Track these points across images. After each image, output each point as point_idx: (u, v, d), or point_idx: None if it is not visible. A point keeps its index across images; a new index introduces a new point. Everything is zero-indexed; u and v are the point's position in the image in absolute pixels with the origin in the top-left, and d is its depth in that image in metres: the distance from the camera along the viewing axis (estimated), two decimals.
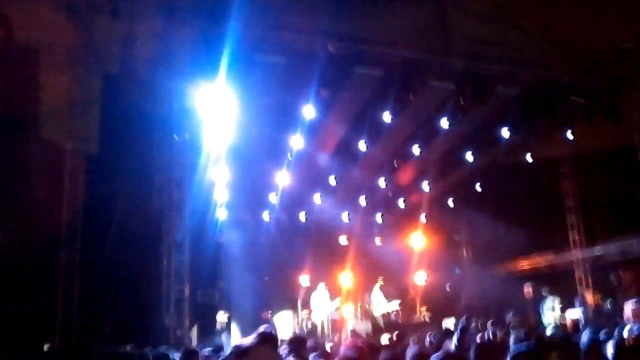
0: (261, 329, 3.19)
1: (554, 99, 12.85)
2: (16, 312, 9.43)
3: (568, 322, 13.48)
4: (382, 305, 16.19)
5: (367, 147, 13.73)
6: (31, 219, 10.82)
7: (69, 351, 6.54)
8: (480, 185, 17.46)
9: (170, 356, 6.14)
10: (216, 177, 13.70)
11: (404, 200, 18.59)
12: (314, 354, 7.70)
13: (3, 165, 10.33)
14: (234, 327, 14.83)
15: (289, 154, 13.91)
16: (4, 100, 10.20)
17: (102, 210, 11.54)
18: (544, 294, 15.26)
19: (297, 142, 13.01)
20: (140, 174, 12.17)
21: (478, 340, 7.14)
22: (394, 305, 16.00)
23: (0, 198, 10.29)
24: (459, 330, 7.82)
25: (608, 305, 14.61)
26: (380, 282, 16.78)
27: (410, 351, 5.51)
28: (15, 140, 10.60)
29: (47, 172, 10.87)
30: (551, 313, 14.84)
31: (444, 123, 13.05)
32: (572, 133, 14.22)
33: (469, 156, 15.19)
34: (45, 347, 7.22)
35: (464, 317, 9.68)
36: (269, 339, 3.43)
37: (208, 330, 13.56)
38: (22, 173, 10.85)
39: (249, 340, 3.01)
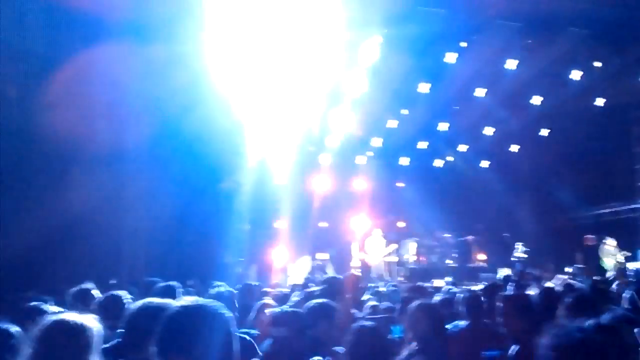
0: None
1: (626, 39, 12.09)
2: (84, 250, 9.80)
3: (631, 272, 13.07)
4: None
5: (429, 90, 13.43)
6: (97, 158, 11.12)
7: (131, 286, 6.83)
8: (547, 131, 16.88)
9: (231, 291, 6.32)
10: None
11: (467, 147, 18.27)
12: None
13: None
14: (291, 267, 15.19)
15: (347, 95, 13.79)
16: None
17: (165, 149, 11.79)
18: (604, 242, 14.87)
19: (358, 83, 12.83)
20: (201, 118, 12.33)
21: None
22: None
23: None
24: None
25: None
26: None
27: (463, 295, 5.50)
28: None
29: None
30: (610, 259, 14.49)
31: (510, 64, 12.54)
32: None
33: (536, 100, 14.60)
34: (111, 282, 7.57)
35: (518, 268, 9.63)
36: None
37: (266, 269, 13.93)
38: None
39: None
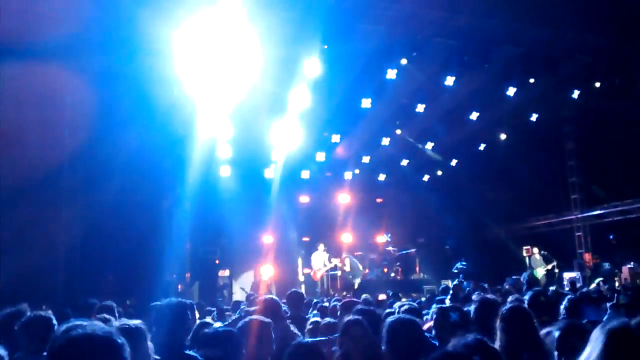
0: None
1: (559, 57, 12.68)
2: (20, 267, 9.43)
3: (566, 282, 13.55)
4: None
5: (371, 105, 13.61)
6: (29, 175, 10.74)
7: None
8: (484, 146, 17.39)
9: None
10: (218, 134, 13.64)
11: (408, 162, 18.57)
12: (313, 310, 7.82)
13: None
14: (234, 283, 15.01)
15: (291, 110, 13.82)
16: None
17: (105, 165, 11.47)
18: (535, 253, 15.47)
19: (300, 97, 12.86)
20: (142, 130, 12.07)
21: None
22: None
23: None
24: (451, 289, 7.90)
25: (606, 266, 14.71)
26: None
27: (403, 307, 5.56)
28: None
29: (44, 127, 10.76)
30: (540, 269, 15.08)
31: (449, 81, 12.87)
32: (577, 93, 14.06)
33: (473, 116, 15.02)
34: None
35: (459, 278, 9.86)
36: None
37: (209, 286, 13.70)
38: None
39: None
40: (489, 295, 5.66)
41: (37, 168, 9.53)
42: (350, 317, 3.98)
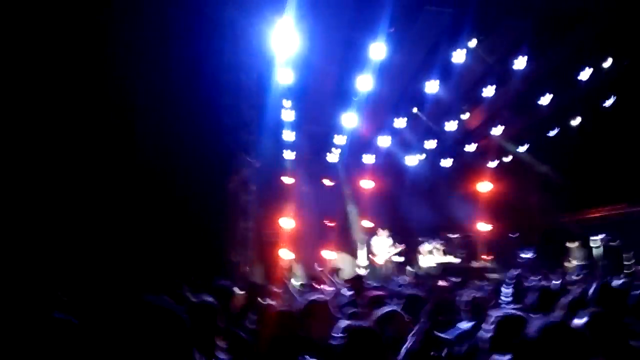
0: None
1: (636, 37, 12.00)
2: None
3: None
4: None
5: (437, 89, 13.38)
6: (97, 155, 11.14)
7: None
8: (556, 131, 16.79)
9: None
10: (284, 118, 13.80)
11: (476, 146, 18.18)
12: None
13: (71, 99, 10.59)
14: (295, 266, 15.18)
15: (355, 95, 13.81)
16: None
17: (171, 149, 11.80)
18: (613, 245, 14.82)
19: (364, 82, 12.79)
20: (208, 115, 12.33)
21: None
22: None
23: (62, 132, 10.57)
24: (514, 280, 7.72)
25: None
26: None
27: (466, 295, 5.47)
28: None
29: (117, 110, 11.15)
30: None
31: (519, 64, 12.45)
32: None
33: (545, 99, 14.49)
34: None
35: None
36: None
37: (272, 269, 13.90)
38: (89, 109, 11.10)
39: None
40: None
41: None
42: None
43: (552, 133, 16.98)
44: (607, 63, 13.00)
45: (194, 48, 11.13)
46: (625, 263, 14.25)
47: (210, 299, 3.88)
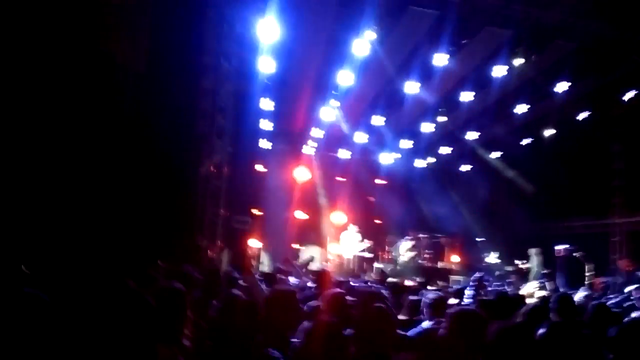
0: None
1: (614, 56, 12.27)
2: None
3: (598, 285, 13.28)
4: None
5: (417, 90, 13.48)
6: (80, 132, 11.01)
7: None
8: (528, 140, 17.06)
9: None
10: (261, 107, 13.75)
11: (451, 149, 18.37)
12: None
13: (60, 74, 10.44)
14: (263, 255, 15.18)
15: (335, 89, 13.86)
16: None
17: (146, 129, 11.68)
18: (576, 256, 15.11)
19: (345, 78, 12.82)
20: (185, 98, 12.22)
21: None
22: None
23: (55, 109, 10.44)
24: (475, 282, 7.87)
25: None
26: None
27: (430, 296, 5.56)
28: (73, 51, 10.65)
29: (99, 86, 10.99)
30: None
31: (497, 71, 12.61)
32: (629, 94, 13.64)
33: (520, 109, 14.71)
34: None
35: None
36: None
37: (239, 256, 13.88)
38: (77, 82, 10.94)
39: None
40: None
41: None
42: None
43: (525, 142, 17.22)
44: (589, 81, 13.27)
45: (175, 29, 11.02)
46: (586, 274, 14.59)
47: (178, 284, 3.87)
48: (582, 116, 14.96)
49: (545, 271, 14.91)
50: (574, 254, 15.25)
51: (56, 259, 6.18)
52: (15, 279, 4.73)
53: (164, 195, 11.18)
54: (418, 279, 13.12)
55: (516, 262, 15.74)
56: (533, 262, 15.44)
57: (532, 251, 15.59)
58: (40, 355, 2.33)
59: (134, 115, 11.44)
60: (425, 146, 18.24)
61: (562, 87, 13.31)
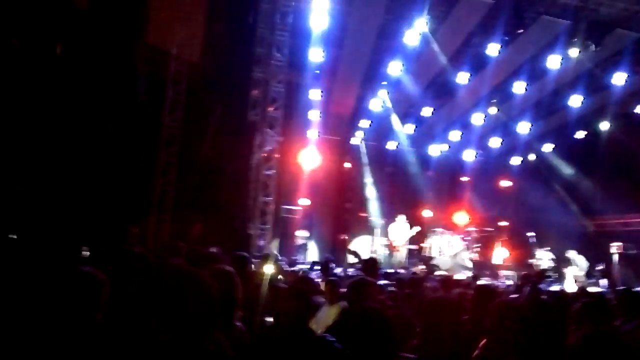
0: None
1: None
2: (114, 208, 10.06)
3: None
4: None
5: (468, 80, 13.28)
6: (135, 120, 11.37)
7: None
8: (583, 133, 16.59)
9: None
10: (311, 97, 13.81)
11: (501, 141, 18.03)
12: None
13: (110, 68, 10.81)
14: (312, 245, 15.29)
15: (385, 80, 13.83)
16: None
17: (200, 117, 11.95)
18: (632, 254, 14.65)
19: (395, 68, 12.76)
20: (237, 87, 12.44)
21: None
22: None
23: (107, 99, 10.83)
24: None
25: None
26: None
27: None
28: (122, 44, 10.99)
29: (150, 77, 11.31)
30: None
31: (553, 62, 12.29)
32: None
33: (575, 101, 14.30)
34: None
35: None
36: None
37: (288, 244, 14.04)
38: (127, 77, 11.30)
39: None
40: None
41: None
42: None
43: (580, 135, 16.75)
44: None
45: (229, 20, 11.20)
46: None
47: (230, 268, 3.95)
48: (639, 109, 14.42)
49: (600, 267, 14.49)
50: (630, 252, 14.79)
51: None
52: (71, 258, 4.91)
53: (219, 183, 11.44)
54: (468, 273, 12.99)
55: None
56: (575, 263, 14.93)
57: (571, 254, 15.06)
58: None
59: (188, 103, 11.71)
60: (475, 138, 17.96)
61: (619, 78, 12.88)
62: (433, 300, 4.41)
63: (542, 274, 11.00)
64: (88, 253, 5.23)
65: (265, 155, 12.17)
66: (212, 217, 11.16)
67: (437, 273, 10.45)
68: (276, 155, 12.51)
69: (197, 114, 11.77)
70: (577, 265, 14.49)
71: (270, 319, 3.82)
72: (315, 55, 11.97)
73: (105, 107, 10.71)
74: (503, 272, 15.15)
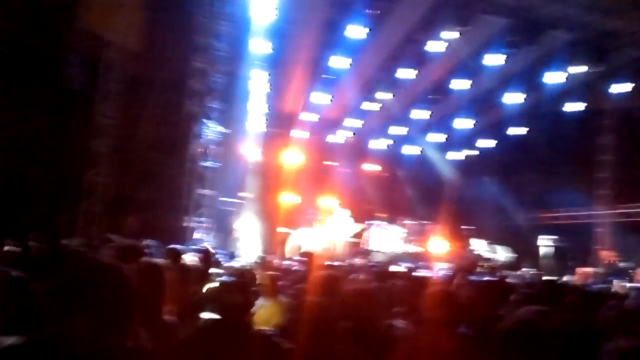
0: None
1: (607, 47, 12.31)
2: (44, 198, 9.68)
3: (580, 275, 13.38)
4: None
5: (408, 76, 13.46)
6: (67, 109, 10.94)
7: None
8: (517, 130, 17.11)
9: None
10: (252, 89, 13.63)
11: (438, 137, 18.39)
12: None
13: (42, 54, 10.36)
14: (252, 238, 15.14)
15: (328, 74, 13.80)
16: None
17: (137, 106, 11.58)
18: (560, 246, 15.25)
19: (339, 62, 12.75)
20: (176, 78, 12.13)
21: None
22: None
23: (38, 86, 10.38)
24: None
25: (622, 265, 14.49)
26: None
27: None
28: (55, 30, 10.55)
29: (85, 64, 10.87)
30: None
31: (490, 60, 12.60)
32: (619, 87, 13.67)
33: (511, 98, 14.73)
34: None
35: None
36: None
37: (226, 237, 13.83)
38: (61, 63, 10.85)
39: None
40: None
41: None
42: None
43: (514, 132, 17.23)
44: (577, 69, 13.29)
45: (167, 8, 10.89)
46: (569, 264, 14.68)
47: (159, 261, 3.83)
48: (572, 107, 14.94)
49: (529, 259, 14.99)
50: (558, 245, 15.36)
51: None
52: None
53: (150, 175, 11.13)
54: (405, 265, 13.15)
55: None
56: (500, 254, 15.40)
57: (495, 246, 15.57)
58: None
59: (125, 92, 11.34)
60: (416, 133, 18.23)
61: (552, 77, 13.34)
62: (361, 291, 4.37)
63: (474, 264, 11.27)
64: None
65: (203, 147, 11.87)
66: (147, 209, 10.86)
67: (374, 264, 10.53)
68: (214, 147, 12.23)
69: (133, 104, 11.39)
70: (500, 256, 15.01)
71: (208, 314, 3.71)
72: (258, 46, 11.81)
73: (36, 94, 10.26)
74: (440, 264, 15.44)
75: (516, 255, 15.12)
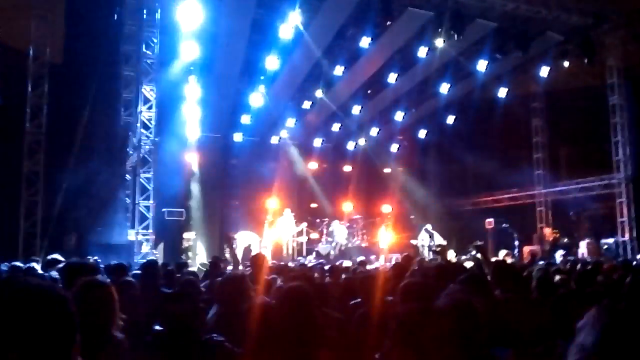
0: None
1: (530, 33, 12.82)
2: None
3: (525, 254, 13.87)
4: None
5: (342, 73, 13.57)
6: None
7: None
8: (453, 118, 17.54)
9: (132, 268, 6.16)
10: (187, 94, 13.42)
11: (377, 130, 18.63)
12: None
13: None
14: (200, 246, 14.94)
15: (262, 74, 13.73)
16: None
17: (66, 121, 11.21)
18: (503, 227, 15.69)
19: (272, 62, 12.70)
20: (107, 87, 11.80)
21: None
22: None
23: None
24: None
25: (565, 241, 15.10)
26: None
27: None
28: None
29: (7, 79, 10.44)
30: None
31: (421, 52, 12.87)
32: (545, 70, 14.26)
33: (444, 88, 15.11)
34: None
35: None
36: None
37: (174, 248, 13.60)
38: None
39: None
40: None
41: None
42: None
43: (449, 120, 17.65)
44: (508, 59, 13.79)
45: (91, 17, 10.60)
46: (515, 244, 15.18)
47: (103, 278, 3.75)
48: (502, 93, 15.45)
49: (478, 243, 15.39)
50: (503, 226, 15.84)
51: None
52: None
53: (87, 191, 10.81)
54: (356, 259, 13.28)
55: None
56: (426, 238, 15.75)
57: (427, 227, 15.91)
58: None
59: (52, 107, 10.97)
60: (355, 128, 18.41)
61: (482, 65, 13.75)
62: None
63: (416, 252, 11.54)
64: None
65: (141, 157, 11.54)
66: (89, 225, 10.54)
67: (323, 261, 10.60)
68: (153, 157, 11.95)
69: (63, 118, 11.03)
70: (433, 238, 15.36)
71: (157, 326, 3.65)
72: (189, 51, 11.63)
73: None
74: (389, 255, 15.67)
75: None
